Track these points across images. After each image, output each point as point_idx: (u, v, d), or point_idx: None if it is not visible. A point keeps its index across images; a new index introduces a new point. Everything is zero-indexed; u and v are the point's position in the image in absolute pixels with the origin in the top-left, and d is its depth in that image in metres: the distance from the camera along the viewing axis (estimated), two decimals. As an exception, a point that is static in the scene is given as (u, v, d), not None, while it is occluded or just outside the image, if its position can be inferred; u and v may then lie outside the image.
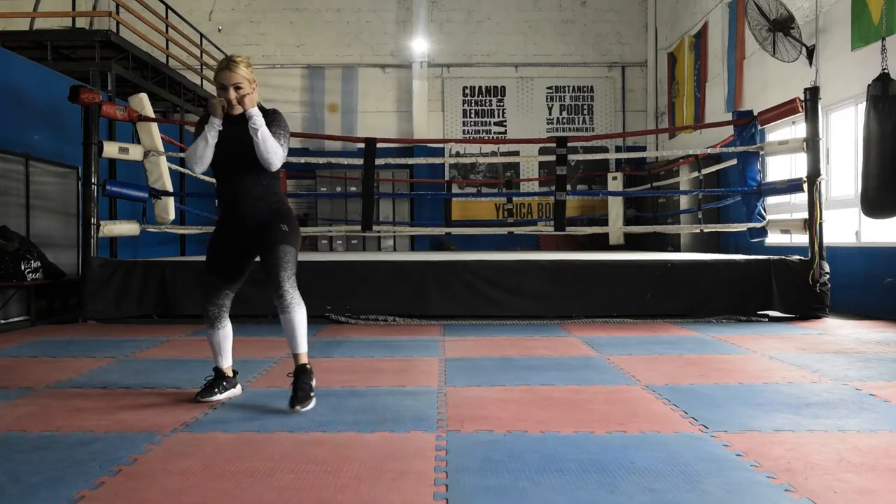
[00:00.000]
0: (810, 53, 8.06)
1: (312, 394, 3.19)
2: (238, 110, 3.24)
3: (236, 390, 3.47)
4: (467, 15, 14.41)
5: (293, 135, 11.29)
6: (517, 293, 6.55)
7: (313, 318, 6.45)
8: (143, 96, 7.57)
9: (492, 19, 14.41)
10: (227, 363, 3.45)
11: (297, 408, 3.11)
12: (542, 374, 3.98)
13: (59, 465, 2.42)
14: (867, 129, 6.10)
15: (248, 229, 3.33)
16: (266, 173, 3.33)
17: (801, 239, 7.10)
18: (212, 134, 3.24)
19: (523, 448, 2.60)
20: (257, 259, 3.39)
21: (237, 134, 3.24)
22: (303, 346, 3.26)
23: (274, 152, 3.25)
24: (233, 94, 3.22)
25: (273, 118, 3.33)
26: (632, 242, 12.27)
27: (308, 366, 3.26)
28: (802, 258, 6.59)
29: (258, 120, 3.21)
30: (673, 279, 6.60)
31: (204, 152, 3.24)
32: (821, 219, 6.52)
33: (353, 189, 13.06)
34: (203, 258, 3.58)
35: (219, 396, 3.37)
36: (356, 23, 14.36)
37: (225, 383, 3.42)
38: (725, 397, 3.41)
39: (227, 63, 3.22)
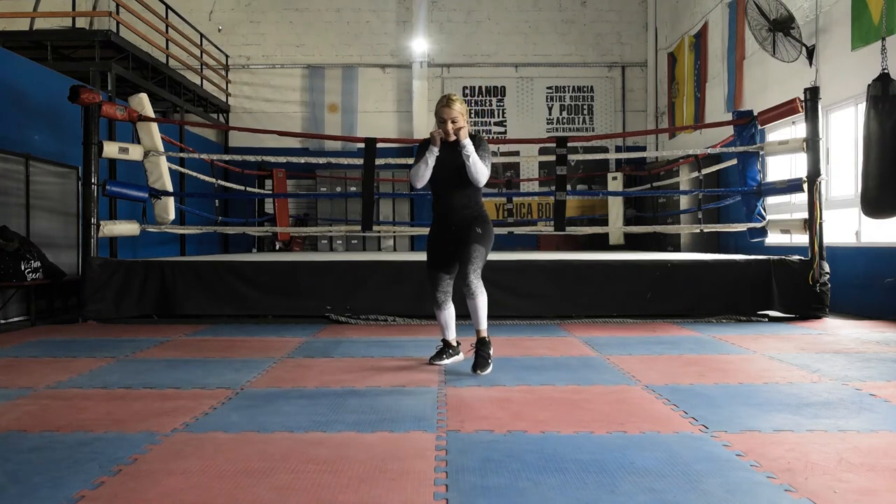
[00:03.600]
0: (810, 53, 8.06)
1: (490, 361, 4.01)
2: (452, 138, 3.98)
3: (459, 357, 4.32)
4: (467, 15, 14.41)
5: (293, 135, 11.35)
6: (517, 293, 6.55)
7: (313, 318, 6.53)
8: (143, 96, 7.56)
9: (492, 19, 14.41)
10: (451, 336, 4.31)
11: (479, 371, 3.94)
12: (542, 374, 3.99)
13: (59, 465, 2.42)
14: (867, 129, 6.09)
15: (454, 232, 4.12)
16: (471, 188, 4.10)
17: (801, 239, 7.10)
18: (431, 159, 4.03)
19: (523, 448, 2.60)
20: None
21: (451, 158, 4.01)
22: (483, 324, 4.07)
23: (481, 172, 4.00)
24: (450, 127, 3.97)
25: (479, 144, 4.05)
26: (632, 242, 12.27)
27: (487, 338, 4.07)
28: (802, 258, 6.59)
29: (470, 149, 3.95)
30: (673, 279, 6.60)
31: (425, 173, 4.06)
32: (821, 219, 6.52)
33: (353, 189, 13.06)
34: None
35: (446, 361, 4.26)
36: (356, 23, 14.36)
37: (451, 351, 4.30)
38: (725, 397, 3.41)
39: (447, 101, 4.01)
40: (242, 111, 14.32)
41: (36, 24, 9.56)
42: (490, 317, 6.44)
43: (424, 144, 4.08)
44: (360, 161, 7.67)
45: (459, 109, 4.00)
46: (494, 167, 14.05)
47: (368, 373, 4.07)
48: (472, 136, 4.03)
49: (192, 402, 3.33)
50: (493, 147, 13.74)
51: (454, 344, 4.32)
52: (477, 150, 3.98)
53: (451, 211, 4.12)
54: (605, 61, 14.39)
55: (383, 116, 14.32)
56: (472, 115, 14.37)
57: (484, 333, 4.08)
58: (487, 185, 4.36)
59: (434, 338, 5.42)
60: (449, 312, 4.27)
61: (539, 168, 13.97)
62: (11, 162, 6.77)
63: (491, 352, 4.06)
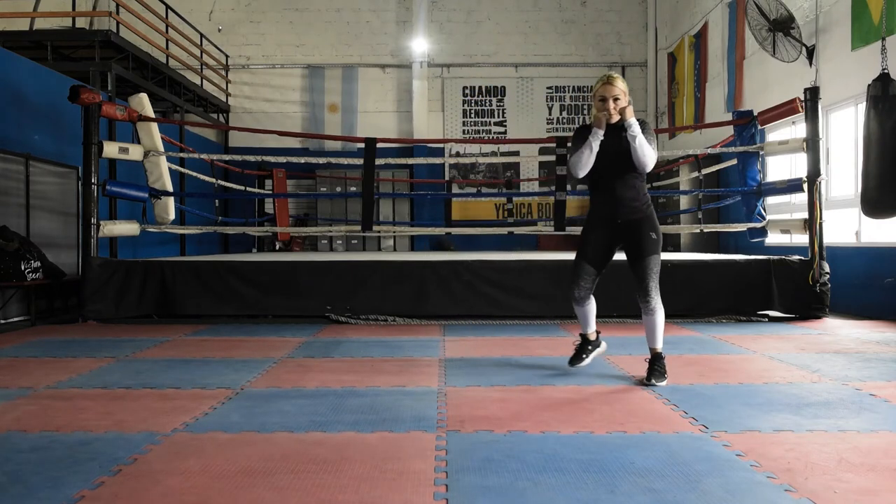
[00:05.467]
0: (810, 53, 8.06)
1: (665, 374, 3.74)
2: (616, 119, 3.68)
3: (601, 348, 4.17)
4: (467, 15, 14.41)
5: (293, 135, 11.34)
6: (517, 293, 6.55)
7: (313, 318, 6.52)
8: (143, 96, 7.56)
9: (492, 19, 14.41)
10: (591, 329, 4.08)
11: (653, 381, 3.69)
12: (542, 374, 3.99)
13: (59, 465, 2.42)
14: (867, 129, 6.09)
15: (620, 226, 3.80)
16: (636, 176, 3.76)
17: (801, 239, 7.10)
18: (596, 143, 3.69)
19: (523, 448, 2.60)
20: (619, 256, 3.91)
21: (613, 142, 3.69)
22: (660, 342, 3.80)
23: (648, 156, 3.65)
24: (612, 105, 3.66)
25: (644, 126, 3.70)
26: (632, 242, 12.23)
27: (663, 354, 3.81)
28: (802, 258, 6.59)
29: (636, 128, 3.62)
30: (673, 279, 6.58)
31: (589, 159, 3.72)
32: (821, 219, 6.52)
33: (353, 189, 13.06)
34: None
35: (587, 361, 4.08)
36: (356, 23, 14.36)
37: (590, 346, 4.10)
38: (725, 397, 3.41)
39: (608, 79, 3.70)
40: (242, 111, 14.32)
41: (36, 24, 9.56)
42: (490, 317, 6.52)
43: (584, 129, 3.77)
44: (360, 161, 7.67)
45: (622, 87, 3.69)
46: (494, 167, 14.06)
47: (368, 373, 4.07)
48: (637, 120, 3.70)
49: (192, 402, 3.33)
50: (492, 147, 13.75)
51: (593, 338, 4.10)
52: (643, 132, 3.64)
53: (617, 203, 3.76)
54: (605, 61, 14.39)
55: (383, 116, 14.32)
56: (473, 115, 14.38)
57: (660, 349, 3.79)
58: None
59: (434, 338, 5.43)
60: (590, 307, 4.01)
61: (539, 168, 13.96)
62: (11, 162, 6.77)
63: (666, 366, 3.79)
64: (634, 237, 3.76)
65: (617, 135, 3.68)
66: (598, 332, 4.13)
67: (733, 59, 10.45)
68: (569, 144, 4.25)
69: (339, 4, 14.34)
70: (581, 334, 4.11)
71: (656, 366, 3.75)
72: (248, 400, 3.40)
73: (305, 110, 14.30)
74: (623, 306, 6.53)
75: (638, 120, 3.69)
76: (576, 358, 4.07)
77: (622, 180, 3.75)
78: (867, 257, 6.96)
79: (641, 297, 3.74)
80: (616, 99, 3.68)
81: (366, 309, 6.52)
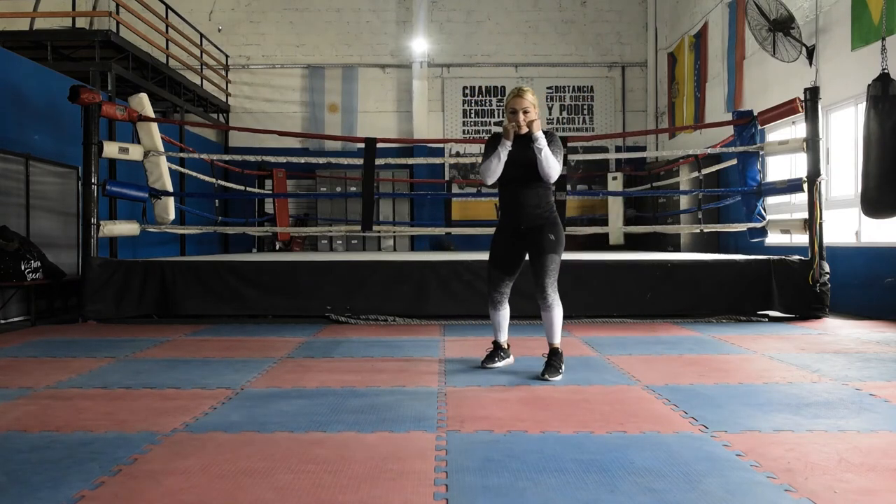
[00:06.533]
0: (810, 53, 8.06)
1: (561, 371, 3.89)
2: (525, 130, 3.81)
3: (510, 360, 4.25)
4: (467, 15, 14.41)
5: (293, 135, 11.33)
6: (517, 293, 6.49)
7: (313, 318, 6.52)
8: (143, 96, 7.56)
9: (492, 19, 14.41)
10: (503, 338, 4.20)
11: (547, 377, 3.82)
12: (542, 374, 3.98)
13: (59, 465, 2.42)
14: (867, 129, 6.09)
15: (523, 231, 3.96)
16: (542, 185, 3.92)
17: (801, 239, 7.10)
18: (504, 152, 3.83)
19: (523, 448, 2.60)
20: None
21: (522, 152, 3.83)
22: (557, 338, 3.98)
23: (553, 167, 3.81)
24: (521, 118, 3.81)
25: (551, 139, 3.86)
26: (632, 242, 12.26)
27: (560, 350, 3.98)
28: (802, 258, 6.59)
29: (542, 142, 3.77)
30: (673, 279, 6.60)
31: (497, 168, 3.87)
32: (821, 219, 6.52)
33: (353, 189, 13.06)
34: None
35: (498, 364, 4.17)
36: (356, 23, 14.36)
37: (502, 353, 4.21)
38: (725, 397, 3.41)
39: (518, 91, 3.85)
40: (242, 111, 14.32)
41: (36, 24, 9.56)
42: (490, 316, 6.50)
43: (495, 138, 3.92)
44: (360, 161, 7.67)
45: (531, 100, 3.84)
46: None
47: (368, 373, 4.07)
48: (544, 132, 3.84)
49: (192, 402, 3.33)
50: (547, 129, 13.75)
51: (505, 346, 4.23)
52: (549, 145, 3.80)
53: (521, 209, 3.93)
54: (605, 61, 14.39)
55: (383, 116, 14.32)
56: (473, 115, 14.38)
57: (557, 345, 3.97)
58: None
59: (434, 338, 5.43)
60: (504, 314, 4.17)
61: (539, 168, 13.94)
62: (11, 162, 6.77)
63: (562, 367, 3.94)
64: (535, 239, 3.93)
65: (526, 145, 3.82)
66: (508, 345, 4.27)
67: (733, 59, 10.45)
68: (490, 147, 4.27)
69: (339, 4, 14.34)
70: (494, 342, 4.22)
71: (552, 361, 3.92)
72: (248, 400, 3.40)
73: (305, 110, 14.30)
74: (623, 306, 6.55)
75: (546, 132, 3.86)
76: (489, 360, 4.18)
77: (528, 188, 3.91)
78: (867, 257, 6.96)
79: (539, 294, 3.90)
80: (525, 111, 3.82)
81: (366, 309, 6.52)
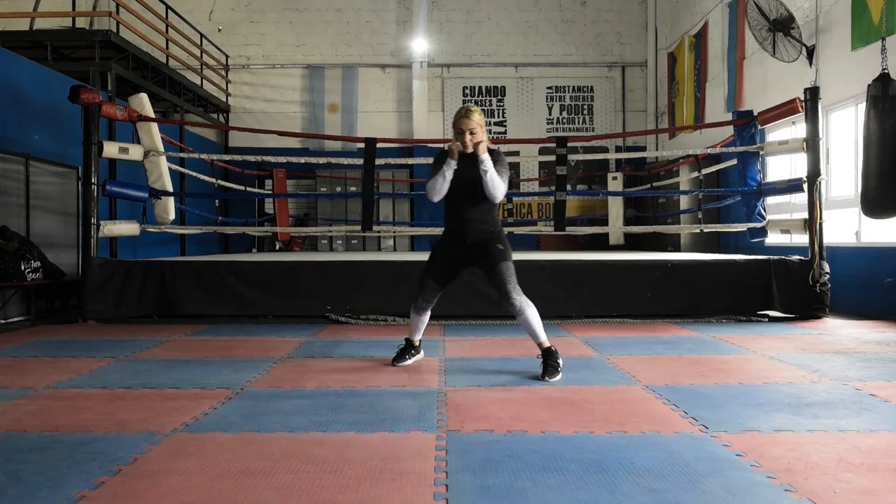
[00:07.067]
0: (810, 53, 8.06)
1: (559, 369, 3.89)
2: (470, 150, 3.88)
3: (420, 356, 4.40)
4: (467, 15, 14.41)
5: (293, 135, 11.33)
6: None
7: (313, 318, 6.52)
8: (143, 96, 7.56)
9: (492, 19, 14.41)
10: (417, 338, 4.33)
11: (547, 378, 3.81)
12: (542, 374, 3.98)
13: (59, 465, 2.42)
14: (867, 129, 6.09)
15: (469, 246, 4.02)
16: (487, 203, 3.97)
17: (801, 239, 7.10)
18: (449, 172, 3.88)
19: (523, 448, 2.60)
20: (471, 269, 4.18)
21: (468, 171, 3.89)
22: (542, 336, 3.95)
23: (498, 188, 3.87)
24: (468, 138, 3.87)
25: (497, 159, 3.92)
26: (632, 242, 12.27)
27: (552, 347, 3.95)
28: (802, 258, 6.59)
29: (488, 164, 3.83)
30: (673, 279, 6.60)
31: (442, 187, 3.92)
32: (821, 219, 6.52)
33: (353, 189, 13.07)
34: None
35: (409, 361, 4.31)
36: (356, 23, 14.36)
37: (413, 351, 4.33)
38: (725, 397, 3.41)
39: (466, 112, 3.91)
40: (242, 111, 14.33)
41: (36, 24, 9.56)
42: (490, 316, 6.52)
43: (441, 157, 3.95)
44: (360, 161, 7.67)
45: (478, 121, 3.89)
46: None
47: (368, 373, 4.07)
48: (490, 151, 3.90)
49: (192, 402, 3.33)
50: (493, 147, 13.73)
51: (417, 344, 4.34)
52: (495, 165, 3.85)
53: (466, 225, 3.98)
54: (605, 61, 14.39)
55: (383, 116, 14.33)
56: (472, 115, 14.36)
57: (547, 344, 3.95)
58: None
59: (434, 338, 5.43)
60: (425, 318, 4.26)
61: (539, 168, 13.97)
62: (11, 162, 6.77)
63: (560, 362, 3.93)
64: (483, 252, 3.98)
65: (472, 164, 3.87)
66: (420, 342, 4.38)
67: (733, 59, 10.45)
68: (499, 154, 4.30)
69: (339, 4, 14.34)
70: (407, 339, 4.34)
71: (548, 361, 3.90)
72: (248, 400, 3.40)
73: (305, 110, 14.30)
74: (623, 306, 6.55)
75: (492, 151, 3.92)
76: (399, 357, 4.30)
77: (474, 205, 3.96)
78: (867, 257, 6.96)
79: (506, 302, 3.91)
80: (472, 132, 3.87)
81: (366, 309, 6.52)
